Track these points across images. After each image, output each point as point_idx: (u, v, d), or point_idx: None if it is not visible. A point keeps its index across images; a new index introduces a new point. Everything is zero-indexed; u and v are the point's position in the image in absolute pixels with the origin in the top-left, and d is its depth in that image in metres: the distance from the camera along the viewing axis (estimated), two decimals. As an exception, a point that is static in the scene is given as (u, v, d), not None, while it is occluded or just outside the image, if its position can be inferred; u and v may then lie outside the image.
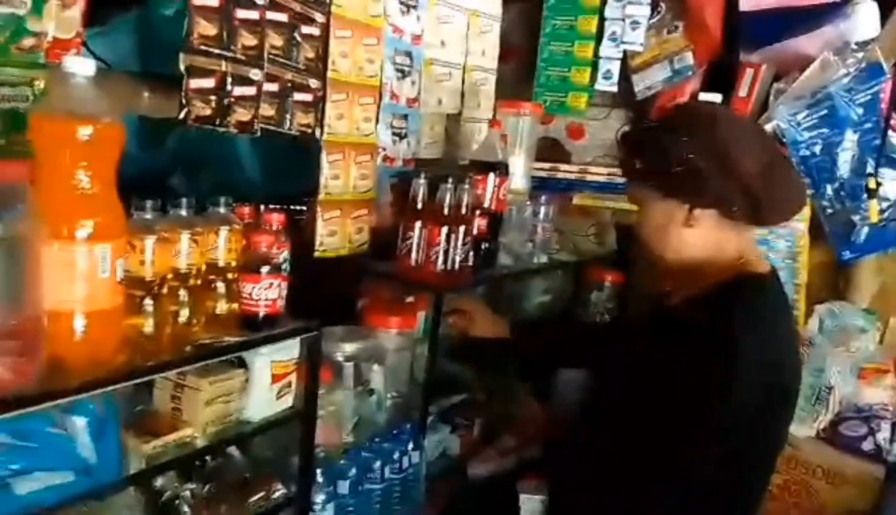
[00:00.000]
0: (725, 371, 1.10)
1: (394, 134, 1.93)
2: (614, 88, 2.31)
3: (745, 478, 1.21)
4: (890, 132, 1.98)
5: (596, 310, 2.33)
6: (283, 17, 1.47)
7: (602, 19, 2.29)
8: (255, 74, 1.43)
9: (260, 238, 1.23)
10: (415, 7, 1.89)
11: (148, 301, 1.08)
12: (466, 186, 1.76)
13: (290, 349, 1.34)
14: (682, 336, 1.19)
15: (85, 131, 0.93)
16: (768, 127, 2.14)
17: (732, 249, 1.26)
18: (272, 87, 1.49)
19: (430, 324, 1.73)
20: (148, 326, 1.09)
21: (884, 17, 2.03)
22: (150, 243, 1.07)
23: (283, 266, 1.27)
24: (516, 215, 2.05)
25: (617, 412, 1.27)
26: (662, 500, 1.18)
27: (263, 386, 1.30)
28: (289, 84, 1.53)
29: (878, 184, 1.99)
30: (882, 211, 2.02)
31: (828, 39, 2.02)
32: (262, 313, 1.23)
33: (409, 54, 1.90)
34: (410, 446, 1.64)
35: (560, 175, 2.41)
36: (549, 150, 2.46)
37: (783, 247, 2.18)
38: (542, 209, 2.09)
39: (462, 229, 1.74)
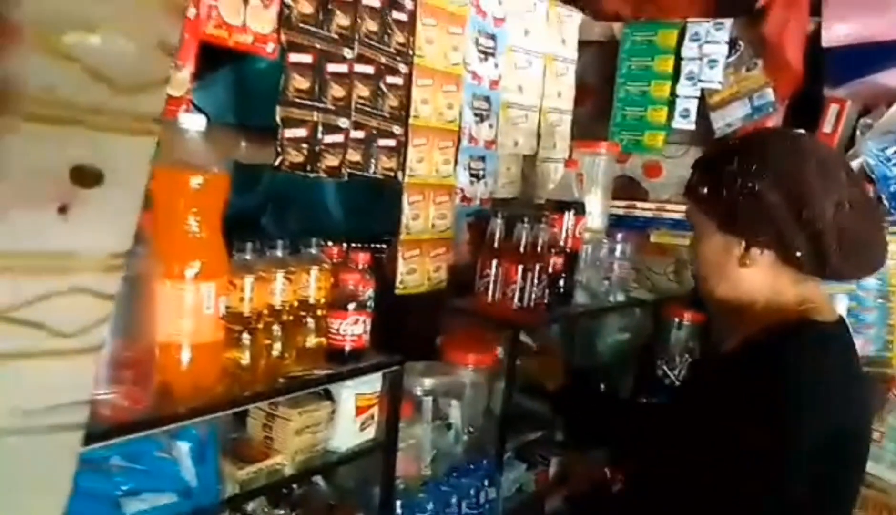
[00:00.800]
0: (786, 416, 1.02)
1: (471, 175, 1.99)
2: (692, 127, 2.31)
3: None
4: None
5: (675, 350, 2.28)
6: (369, 69, 1.57)
7: (679, 59, 2.30)
8: (343, 122, 1.53)
9: (347, 277, 1.30)
10: (493, 54, 1.96)
11: (245, 335, 1.16)
12: (543, 225, 1.80)
13: (373, 383, 1.40)
14: (740, 380, 1.10)
15: (197, 181, 1.03)
16: (855, 163, 2.08)
17: (791, 294, 1.14)
18: (359, 134, 1.58)
19: (507, 360, 1.75)
20: (245, 358, 1.17)
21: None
22: (249, 281, 1.16)
23: (368, 303, 1.34)
24: (592, 252, 2.06)
25: (672, 462, 1.17)
26: None
27: (348, 418, 1.36)
28: (374, 131, 1.62)
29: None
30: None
31: (917, 73, 1.96)
32: (348, 348, 1.30)
33: (487, 99, 1.97)
34: (486, 482, 1.67)
35: (637, 213, 2.41)
36: (625, 188, 2.47)
37: (874, 286, 2.09)
38: (619, 247, 2.10)
39: (538, 267, 1.78)
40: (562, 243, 1.91)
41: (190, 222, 1.04)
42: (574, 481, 1.85)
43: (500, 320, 1.75)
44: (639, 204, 2.42)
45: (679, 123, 2.31)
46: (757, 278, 1.15)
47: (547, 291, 1.83)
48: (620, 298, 2.11)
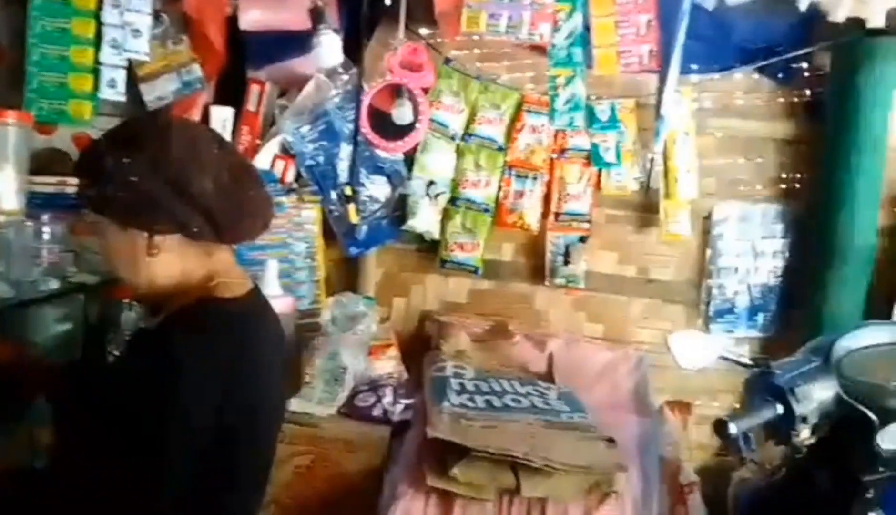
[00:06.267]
0: (169, 395, 1.05)
1: None
2: (122, 98, 2.21)
3: (223, 498, 1.17)
4: (369, 144, 2.33)
5: (128, 331, 2.19)
6: None
7: (101, 24, 2.16)
8: None
9: None
10: None
11: None
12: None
13: None
14: (144, 357, 1.13)
15: None
16: (277, 139, 2.32)
17: (203, 271, 1.19)
18: None
19: None
20: None
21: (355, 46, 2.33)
22: None
23: None
24: (15, 238, 1.83)
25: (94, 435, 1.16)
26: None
27: None
28: None
29: (354, 191, 2.31)
30: (374, 211, 2.39)
31: (318, 63, 2.27)
32: None
33: None
34: None
35: (70, 190, 2.19)
36: (54, 163, 2.22)
37: (303, 249, 2.40)
38: (48, 229, 1.90)
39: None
40: (-39, 231, 1.61)
41: None
42: None
43: None
44: (72, 180, 2.20)
45: (107, 94, 2.18)
46: (169, 262, 1.17)
47: (-55, 289, 1.52)
48: (55, 286, 1.91)
